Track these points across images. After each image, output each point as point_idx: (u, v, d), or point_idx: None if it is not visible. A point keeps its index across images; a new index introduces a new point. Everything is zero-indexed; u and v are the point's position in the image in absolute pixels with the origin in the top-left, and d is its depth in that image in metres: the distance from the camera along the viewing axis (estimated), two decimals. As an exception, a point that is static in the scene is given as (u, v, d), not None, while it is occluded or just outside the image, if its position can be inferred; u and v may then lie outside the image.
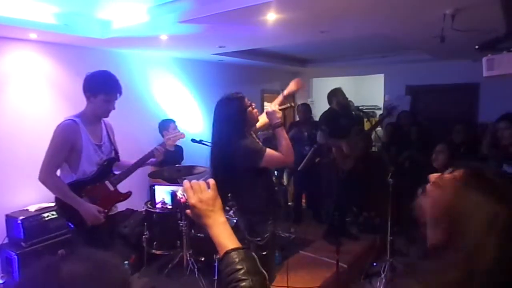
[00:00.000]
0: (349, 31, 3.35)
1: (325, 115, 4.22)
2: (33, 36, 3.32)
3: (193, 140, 4.34)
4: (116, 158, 2.53)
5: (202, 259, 3.41)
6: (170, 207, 3.49)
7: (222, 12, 2.64)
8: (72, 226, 2.39)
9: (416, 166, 4.42)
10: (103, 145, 2.44)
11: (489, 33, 2.71)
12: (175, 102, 5.03)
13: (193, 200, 1.04)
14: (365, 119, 5.23)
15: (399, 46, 4.65)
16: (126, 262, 3.40)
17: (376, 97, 6.74)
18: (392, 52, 5.28)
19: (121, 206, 4.16)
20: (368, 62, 5.89)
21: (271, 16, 2.75)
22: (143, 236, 3.44)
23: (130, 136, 4.13)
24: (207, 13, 2.71)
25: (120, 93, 2.38)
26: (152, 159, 2.59)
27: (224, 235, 1.00)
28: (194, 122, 5.23)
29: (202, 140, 4.38)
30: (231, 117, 2.24)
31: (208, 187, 1.07)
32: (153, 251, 3.46)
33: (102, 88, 2.31)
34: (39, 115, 3.61)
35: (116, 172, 2.52)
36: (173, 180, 3.59)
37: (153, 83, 4.73)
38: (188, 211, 1.07)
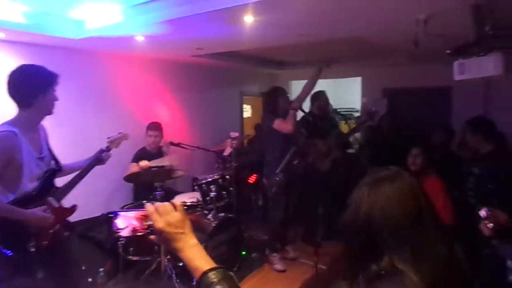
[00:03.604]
0: (326, 34, 3.38)
1: (304, 118, 4.26)
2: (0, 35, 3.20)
3: (172, 143, 4.30)
4: (59, 168, 2.21)
5: (180, 264, 3.35)
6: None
7: (198, 13, 2.61)
8: (9, 253, 1.96)
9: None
10: (45, 157, 2.11)
11: (460, 38, 2.79)
12: (154, 105, 4.95)
13: (160, 224, 0.96)
14: (343, 122, 5.33)
15: (376, 49, 4.73)
16: (101, 269, 3.30)
17: (354, 100, 6.83)
18: (369, 55, 5.36)
19: (97, 211, 4.08)
20: (346, 65, 5.96)
21: (249, 19, 2.74)
22: (119, 242, 3.35)
23: (104, 140, 4.03)
24: (183, 15, 2.68)
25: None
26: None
27: (198, 257, 0.94)
28: (174, 125, 5.16)
29: (180, 143, 4.35)
30: None
31: (175, 208, 1.00)
32: (130, 257, 3.37)
33: (51, 80, 2.02)
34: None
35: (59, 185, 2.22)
36: (151, 184, 3.51)
37: (129, 85, 4.64)
38: (152, 236, 1.00)
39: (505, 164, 2.97)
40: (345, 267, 1.12)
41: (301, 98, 3.91)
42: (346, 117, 6.19)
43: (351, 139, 5.12)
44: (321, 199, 4.15)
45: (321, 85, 6.74)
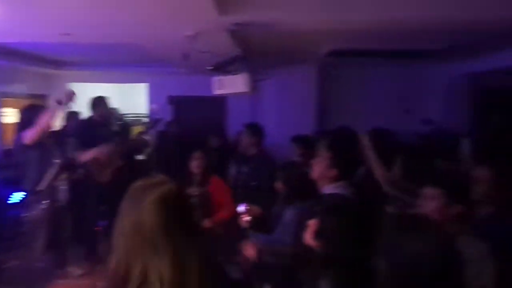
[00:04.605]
0: (96, 37, 3.18)
1: (80, 125, 3.88)
2: None
3: None
4: None
5: None
6: None
7: None
8: None
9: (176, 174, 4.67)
10: None
11: (223, 56, 3.15)
12: None
13: None
14: (133, 127, 5.20)
15: (157, 57, 4.80)
16: None
17: (143, 105, 6.77)
18: (155, 63, 5.42)
19: None
20: (133, 70, 5.84)
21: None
22: None
23: None
24: None
25: None
26: None
27: None
28: None
29: None
30: None
31: None
32: None
33: None
34: None
35: None
36: None
37: None
38: None
39: (266, 165, 3.54)
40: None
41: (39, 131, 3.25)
42: (135, 122, 6.08)
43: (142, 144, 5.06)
44: (103, 212, 3.89)
45: (109, 88, 6.39)
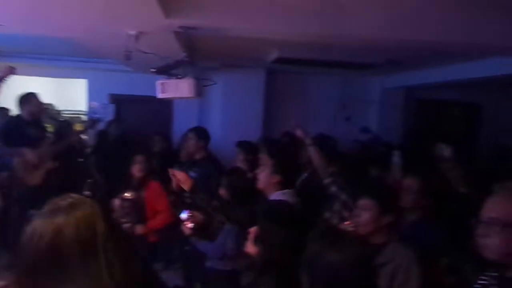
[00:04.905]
0: (32, 30, 2.94)
1: (6, 123, 3.58)
2: None
3: None
4: None
5: None
6: None
7: None
8: None
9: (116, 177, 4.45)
10: None
11: (168, 58, 3.06)
12: None
13: None
14: (72, 125, 4.87)
15: (101, 54, 4.55)
16: None
17: (83, 102, 6.38)
18: (95, 58, 5.12)
19: None
20: (70, 64, 5.47)
21: None
22: None
23: None
24: None
25: None
26: None
27: None
28: None
29: None
30: None
31: None
32: None
33: None
34: None
35: None
36: None
37: None
38: None
39: (216, 169, 3.50)
40: None
41: None
42: (74, 119, 5.69)
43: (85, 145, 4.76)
44: (31, 217, 3.60)
45: (43, 82, 5.92)
